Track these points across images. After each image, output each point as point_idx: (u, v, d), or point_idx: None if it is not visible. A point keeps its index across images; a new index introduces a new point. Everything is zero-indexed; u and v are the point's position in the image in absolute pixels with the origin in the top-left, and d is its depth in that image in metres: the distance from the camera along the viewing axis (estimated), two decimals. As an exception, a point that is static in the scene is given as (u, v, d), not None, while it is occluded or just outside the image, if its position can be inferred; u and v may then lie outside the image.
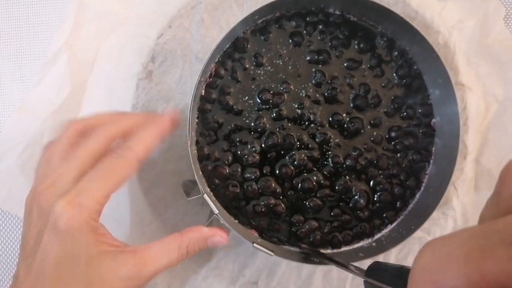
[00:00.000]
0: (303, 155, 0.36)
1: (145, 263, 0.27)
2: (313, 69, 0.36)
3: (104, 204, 0.27)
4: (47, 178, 0.28)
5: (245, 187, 0.35)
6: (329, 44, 0.37)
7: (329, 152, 0.36)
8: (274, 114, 0.36)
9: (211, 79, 0.35)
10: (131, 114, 0.33)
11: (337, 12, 0.37)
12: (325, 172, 0.36)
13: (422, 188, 0.37)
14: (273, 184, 0.35)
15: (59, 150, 0.29)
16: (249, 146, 0.35)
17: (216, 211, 0.32)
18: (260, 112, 0.36)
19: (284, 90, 0.36)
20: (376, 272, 0.24)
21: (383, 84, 0.37)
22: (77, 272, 0.25)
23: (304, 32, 0.37)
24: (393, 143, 0.37)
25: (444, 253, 0.13)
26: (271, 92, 0.36)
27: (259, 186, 0.35)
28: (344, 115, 0.36)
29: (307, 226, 0.35)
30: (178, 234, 0.29)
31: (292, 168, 0.36)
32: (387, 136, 0.37)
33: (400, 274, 0.22)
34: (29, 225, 0.27)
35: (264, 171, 0.35)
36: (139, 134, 0.29)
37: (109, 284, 0.26)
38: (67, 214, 0.25)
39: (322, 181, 0.36)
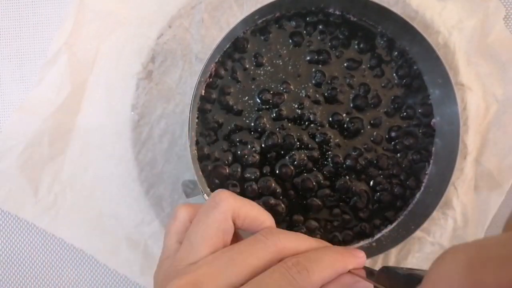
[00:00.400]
0: (303, 155, 0.36)
1: None
2: (313, 69, 0.36)
3: None
4: (193, 272, 0.22)
5: (245, 187, 0.35)
6: (329, 44, 0.37)
7: (329, 152, 0.36)
8: (274, 114, 0.36)
9: (211, 79, 0.35)
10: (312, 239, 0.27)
11: (337, 12, 0.37)
12: (325, 172, 0.36)
13: (422, 188, 0.37)
14: (273, 184, 0.35)
15: (202, 239, 0.24)
16: (249, 146, 0.35)
17: (216, 211, 0.32)
18: (260, 112, 0.36)
19: (284, 90, 0.36)
20: (386, 276, 0.23)
21: (383, 84, 0.37)
22: None
23: (304, 32, 0.37)
24: (393, 143, 0.37)
25: (466, 261, 0.13)
26: (271, 92, 0.36)
27: (259, 186, 0.35)
28: (344, 115, 0.36)
29: (306, 226, 0.35)
30: None
31: (292, 168, 0.36)
32: (387, 136, 0.37)
33: (410, 280, 0.21)
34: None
35: (264, 171, 0.35)
36: (321, 258, 0.23)
37: None
38: None
39: (322, 181, 0.36)
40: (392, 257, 0.39)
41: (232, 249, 0.23)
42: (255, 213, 0.26)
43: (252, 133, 0.36)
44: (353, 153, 0.36)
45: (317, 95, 0.36)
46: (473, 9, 0.40)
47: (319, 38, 0.37)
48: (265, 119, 0.36)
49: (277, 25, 0.36)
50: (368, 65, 0.37)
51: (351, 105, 0.37)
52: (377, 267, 0.39)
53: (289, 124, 0.36)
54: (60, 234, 0.39)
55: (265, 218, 0.26)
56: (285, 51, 0.36)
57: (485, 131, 0.40)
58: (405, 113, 0.37)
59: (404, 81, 0.37)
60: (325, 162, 0.36)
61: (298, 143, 0.36)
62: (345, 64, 0.37)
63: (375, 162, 0.36)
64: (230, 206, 0.24)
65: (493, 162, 0.39)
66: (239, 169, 0.35)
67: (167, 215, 0.38)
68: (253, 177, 0.35)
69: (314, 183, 0.36)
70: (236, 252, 0.23)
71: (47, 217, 0.38)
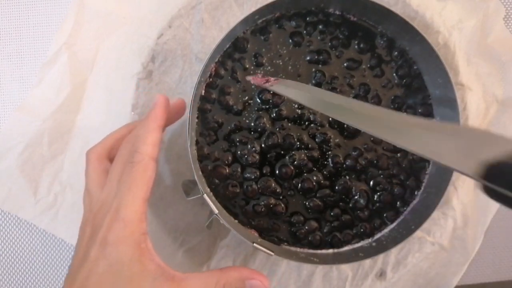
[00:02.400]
0: (303, 155, 0.36)
1: None
2: (313, 69, 0.36)
3: (143, 212, 0.28)
4: (95, 205, 0.29)
5: (245, 187, 0.35)
6: (329, 44, 0.37)
7: (329, 152, 0.36)
8: (274, 114, 0.36)
9: (211, 79, 0.35)
10: (139, 121, 0.34)
11: (337, 12, 0.37)
12: (325, 172, 0.36)
13: (422, 188, 0.37)
14: (273, 184, 0.35)
15: (96, 180, 0.31)
16: (249, 146, 0.35)
17: (216, 211, 0.32)
18: (260, 112, 0.36)
19: (284, 90, 0.36)
20: (500, 174, 0.17)
21: (383, 84, 0.37)
22: None
23: (304, 32, 0.37)
24: (393, 143, 0.37)
25: None
26: (271, 92, 0.36)
27: (259, 186, 0.35)
28: (344, 115, 0.36)
29: (307, 226, 0.35)
30: (218, 270, 0.30)
31: (292, 168, 0.36)
32: (387, 136, 0.37)
33: None
34: (80, 245, 0.28)
35: (264, 171, 0.35)
36: (137, 135, 0.30)
37: None
38: (114, 229, 0.26)
39: (322, 181, 0.36)
40: (392, 257, 0.39)
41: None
42: (112, 142, 0.33)
43: (252, 133, 0.36)
44: (353, 153, 0.36)
45: (317, 95, 0.36)
46: (473, 9, 0.40)
47: (319, 38, 0.37)
48: (265, 119, 0.36)
49: (277, 25, 0.36)
50: (368, 65, 0.37)
51: (351, 105, 0.37)
52: (377, 266, 0.39)
53: (289, 124, 0.36)
54: (60, 234, 0.39)
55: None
56: (285, 51, 0.36)
57: (485, 131, 0.40)
58: (405, 113, 0.37)
59: (404, 81, 0.37)
60: (325, 162, 0.36)
61: (298, 143, 0.36)
62: (345, 64, 0.37)
63: (375, 162, 0.36)
64: (96, 156, 0.32)
65: (493, 162, 0.39)
66: (239, 169, 0.35)
67: (167, 215, 0.38)
68: (253, 177, 0.35)
69: (314, 183, 0.36)
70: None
71: (47, 217, 0.38)
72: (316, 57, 0.36)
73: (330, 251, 0.36)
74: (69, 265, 0.29)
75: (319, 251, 0.35)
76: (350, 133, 0.36)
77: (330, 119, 0.36)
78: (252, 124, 0.36)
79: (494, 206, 0.40)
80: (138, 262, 0.26)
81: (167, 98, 0.32)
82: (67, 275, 0.28)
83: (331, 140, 0.36)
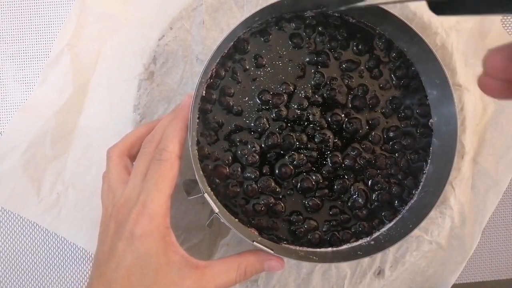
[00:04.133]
0: (302, 155, 0.36)
1: (207, 279, 0.29)
2: (312, 70, 0.37)
3: (168, 207, 0.29)
4: (118, 201, 0.30)
5: (245, 186, 0.36)
6: (328, 45, 0.37)
7: (328, 152, 0.37)
8: (274, 115, 0.36)
9: (211, 80, 0.36)
10: (160, 120, 0.35)
11: (336, 14, 0.37)
12: (324, 172, 0.36)
13: (420, 188, 0.37)
14: (272, 184, 0.36)
15: (117, 177, 0.32)
16: (249, 146, 0.36)
17: (217, 210, 0.33)
18: (260, 113, 0.36)
19: (284, 91, 0.36)
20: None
21: (381, 85, 0.37)
22: (146, 282, 0.27)
23: (304, 33, 0.37)
24: (391, 143, 0.37)
25: None
26: (271, 93, 0.36)
27: (259, 185, 0.36)
28: (343, 115, 0.37)
29: (306, 225, 0.36)
30: (237, 255, 0.32)
31: (291, 168, 0.36)
32: (385, 136, 0.37)
33: None
34: (104, 240, 0.29)
35: (264, 171, 0.36)
36: (167, 134, 0.31)
37: None
38: (141, 223, 0.28)
39: (321, 181, 0.36)
40: (390, 255, 0.39)
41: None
42: (134, 140, 0.34)
43: (252, 133, 0.36)
44: (351, 153, 0.37)
45: (316, 96, 0.37)
46: (470, 11, 0.40)
47: (318, 39, 0.37)
48: (265, 119, 0.36)
49: (277, 27, 0.37)
50: (367, 66, 0.37)
51: (350, 105, 0.37)
52: (375, 265, 0.39)
53: (289, 125, 0.36)
54: (62, 233, 0.39)
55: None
56: (285, 53, 0.37)
57: (483, 131, 0.40)
58: (403, 114, 0.37)
59: (402, 82, 0.38)
60: (324, 162, 0.37)
61: (297, 143, 0.36)
62: (343, 65, 0.37)
63: (373, 162, 0.37)
64: (117, 153, 0.33)
65: (490, 161, 0.40)
66: (239, 169, 0.36)
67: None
68: (253, 176, 0.36)
69: (313, 183, 0.36)
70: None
71: (50, 216, 0.39)
72: (315, 58, 0.37)
73: (329, 249, 0.36)
74: (94, 259, 0.30)
75: (318, 250, 0.36)
76: (348, 133, 0.37)
77: (329, 119, 0.37)
78: (252, 124, 0.36)
79: (491, 205, 0.40)
80: (163, 255, 0.28)
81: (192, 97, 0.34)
82: (92, 269, 0.29)
83: (330, 140, 0.36)
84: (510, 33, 0.42)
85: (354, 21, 0.37)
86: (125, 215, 0.29)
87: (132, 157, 0.33)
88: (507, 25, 0.43)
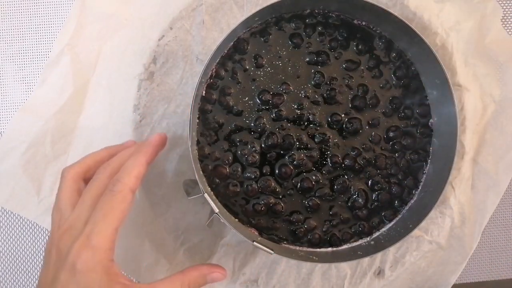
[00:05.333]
0: (302, 155, 0.36)
1: None
2: (312, 70, 0.37)
3: (113, 240, 0.29)
4: (63, 224, 0.30)
5: (245, 186, 0.36)
6: (328, 45, 0.37)
7: (328, 152, 0.37)
8: (274, 115, 0.36)
9: (211, 80, 0.36)
10: (121, 147, 0.35)
11: (336, 14, 0.37)
12: (324, 172, 0.36)
13: (420, 188, 0.37)
14: (272, 184, 0.36)
15: (68, 198, 0.31)
16: (249, 146, 0.36)
17: (217, 210, 0.33)
18: (260, 113, 0.36)
19: (284, 91, 0.36)
20: None
21: (381, 85, 0.37)
22: None
23: (304, 33, 0.37)
24: (391, 143, 0.37)
25: None
26: (271, 93, 0.36)
27: (259, 185, 0.36)
28: (343, 115, 0.37)
29: (306, 225, 0.36)
30: (180, 273, 0.31)
31: (291, 167, 0.36)
32: (385, 136, 0.37)
33: None
34: (48, 266, 0.29)
35: (264, 171, 0.36)
36: (126, 165, 0.31)
37: None
38: (83, 256, 0.27)
39: (321, 181, 0.36)
40: (390, 255, 0.39)
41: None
42: (90, 163, 0.33)
43: (252, 133, 0.36)
44: (351, 153, 0.37)
45: (316, 96, 0.37)
46: (471, 11, 0.40)
47: (318, 39, 0.37)
48: (265, 119, 0.36)
49: (276, 27, 0.37)
50: (367, 66, 0.37)
51: (350, 105, 0.37)
52: (375, 265, 0.39)
53: (289, 125, 0.36)
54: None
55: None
56: (284, 53, 0.37)
57: (483, 131, 0.40)
58: (403, 114, 0.38)
59: (402, 82, 0.38)
60: (324, 162, 0.37)
61: (297, 143, 0.36)
62: (343, 65, 0.37)
63: (373, 161, 0.37)
64: (72, 174, 0.32)
65: (490, 161, 0.40)
66: (239, 169, 0.36)
67: (168, 214, 0.39)
68: (253, 176, 0.36)
69: (313, 183, 0.36)
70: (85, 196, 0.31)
71: (50, 216, 0.39)
72: (315, 58, 0.37)
73: (329, 249, 0.36)
74: (38, 282, 0.30)
75: (318, 250, 0.36)
76: (348, 133, 0.37)
77: (329, 119, 0.37)
78: (252, 124, 0.36)
79: (491, 205, 0.40)
80: (107, 287, 0.27)
81: (165, 137, 0.34)
82: None
83: (330, 140, 0.37)
84: (510, 33, 0.42)
85: (354, 21, 0.37)
86: (67, 245, 0.28)
87: (87, 180, 0.32)
88: (507, 25, 0.43)
